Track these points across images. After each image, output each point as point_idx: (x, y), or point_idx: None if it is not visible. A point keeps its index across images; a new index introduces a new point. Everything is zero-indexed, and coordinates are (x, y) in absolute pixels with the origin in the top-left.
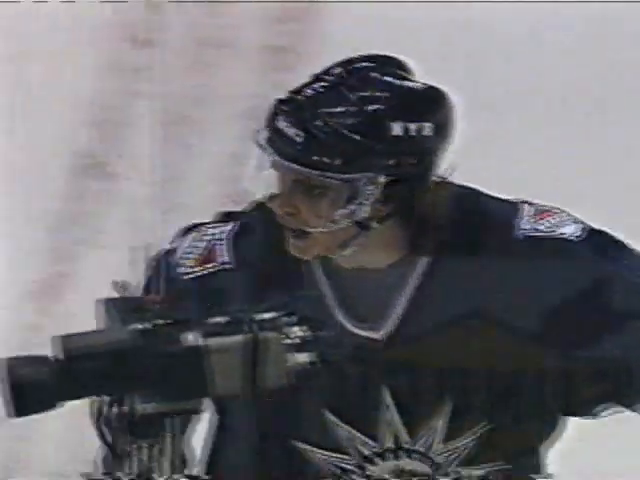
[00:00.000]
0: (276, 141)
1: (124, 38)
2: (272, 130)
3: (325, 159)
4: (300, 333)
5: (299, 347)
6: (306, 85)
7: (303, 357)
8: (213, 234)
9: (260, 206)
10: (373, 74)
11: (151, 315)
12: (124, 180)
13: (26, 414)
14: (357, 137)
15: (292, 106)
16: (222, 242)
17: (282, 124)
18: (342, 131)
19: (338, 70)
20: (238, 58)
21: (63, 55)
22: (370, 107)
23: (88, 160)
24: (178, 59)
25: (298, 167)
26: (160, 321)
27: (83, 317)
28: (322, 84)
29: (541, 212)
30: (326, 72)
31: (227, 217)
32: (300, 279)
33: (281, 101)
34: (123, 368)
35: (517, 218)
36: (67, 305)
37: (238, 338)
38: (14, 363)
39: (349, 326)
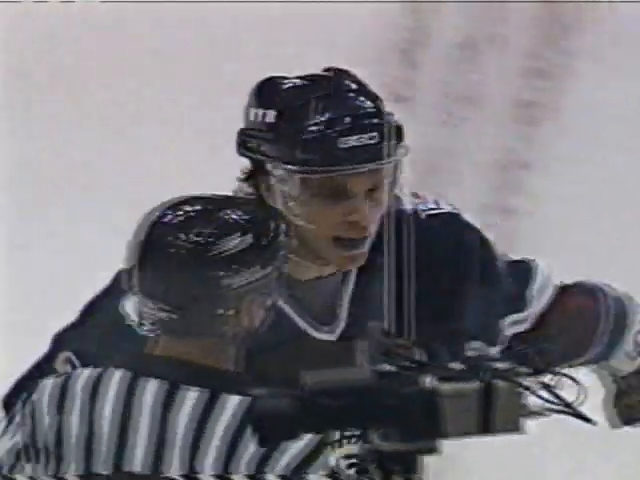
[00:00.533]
0: (359, 154)
1: (379, 93)
2: (346, 149)
3: (392, 143)
4: (534, 384)
5: (532, 396)
6: (320, 105)
7: (536, 407)
8: None
9: None
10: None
11: (398, 358)
12: None
13: (268, 444)
14: (395, 124)
15: (358, 121)
16: None
17: (357, 139)
18: (389, 122)
19: (331, 83)
20: (487, 112)
21: None
22: (377, 100)
23: None
24: (430, 113)
25: (390, 160)
26: (405, 363)
27: None
28: (337, 94)
29: (414, 194)
30: (318, 90)
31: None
32: None
33: (341, 122)
34: (361, 406)
35: (411, 204)
36: None
37: (472, 385)
38: (260, 394)
39: (311, 331)
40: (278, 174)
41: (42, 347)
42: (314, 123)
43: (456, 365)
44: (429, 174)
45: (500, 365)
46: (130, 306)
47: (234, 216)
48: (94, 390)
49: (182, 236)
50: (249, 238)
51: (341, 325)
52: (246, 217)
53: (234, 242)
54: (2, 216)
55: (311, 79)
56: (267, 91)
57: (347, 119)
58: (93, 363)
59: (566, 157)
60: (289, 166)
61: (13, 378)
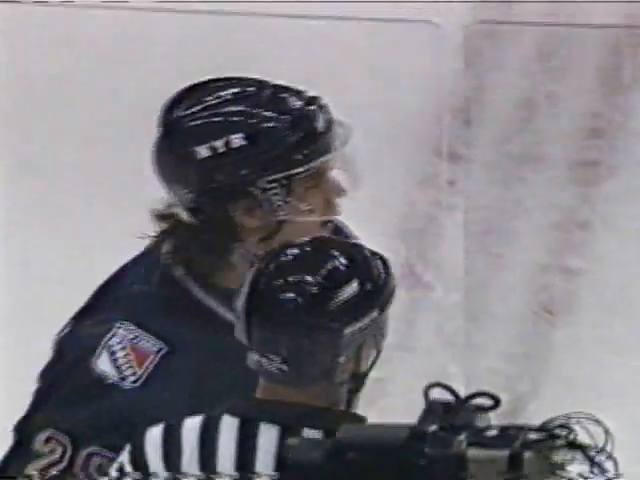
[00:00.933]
0: (331, 131)
1: (435, 151)
2: (323, 131)
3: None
4: (566, 457)
5: (560, 469)
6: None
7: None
8: (122, 337)
9: (117, 293)
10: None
11: (440, 420)
12: (430, 289)
13: None
14: None
15: (317, 102)
16: (138, 336)
17: (322, 118)
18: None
19: (255, 86)
20: (546, 172)
21: (375, 166)
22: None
23: (403, 269)
24: (485, 172)
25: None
26: (443, 424)
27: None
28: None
29: None
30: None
31: (103, 320)
32: (207, 314)
33: (311, 106)
34: (390, 464)
35: None
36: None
37: (500, 453)
38: (294, 442)
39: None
40: (277, 186)
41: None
42: (290, 123)
43: (490, 431)
44: (486, 234)
45: (533, 436)
46: (104, 362)
47: (341, 261)
48: (205, 436)
49: (299, 289)
50: (364, 284)
51: None
52: (350, 262)
53: (351, 289)
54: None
55: (225, 92)
56: (205, 123)
57: (305, 107)
58: (84, 435)
59: (626, 216)
60: (294, 170)
61: None
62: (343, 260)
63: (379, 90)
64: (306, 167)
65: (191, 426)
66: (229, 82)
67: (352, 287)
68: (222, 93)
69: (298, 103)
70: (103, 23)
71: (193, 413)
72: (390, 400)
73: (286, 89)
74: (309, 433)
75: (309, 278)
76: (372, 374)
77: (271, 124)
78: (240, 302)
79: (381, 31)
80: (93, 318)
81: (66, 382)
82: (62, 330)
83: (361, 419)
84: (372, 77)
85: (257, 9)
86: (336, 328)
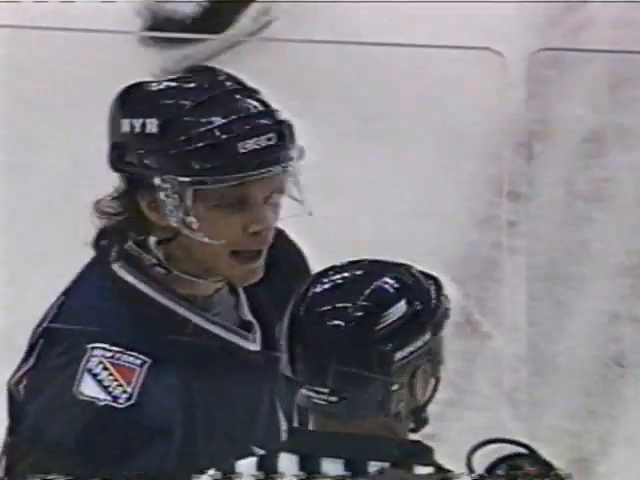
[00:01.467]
0: (260, 157)
1: (495, 190)
2: (247, 153)
3: (290, 144)
4: None
5: None
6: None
7: None
8: (100, 357)
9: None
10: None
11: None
12: (489, 339)
13: None
14: (288, 123)
15: (253, 122)
16: (115, 354)
17: (255, 142)
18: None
19: (210, 84)
20: (614, 212)
21: (430, 205)
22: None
23: (460, 318)
24: (548, 213)
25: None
26: None
27: None
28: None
29: None
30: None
31: (71, 347)
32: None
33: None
34: None
35: None
36: None
37: None
38: None
39: (243, 344)
40: (170, 188)
41: None
42: (208, 129)
43: None
44: (550, 280)
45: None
46: (89, 387)
47: (386, 280)
48: (264, 477)
49: (343, 312)
50: (412, 303)
51: (257, 330)
52: (396, 281)
53: (399, 310)
54: None
55: (185, 81)
56: (139, 98)
57: (242, 121)
58: (90, 468)
59: None
60: (184, 178)
61: None
62: (389, 279)
63: (435, 122)
64: (198, 180)
65: (246, 468)
66: (218, 74)
67: (400, 307)
68: (194, 82)
69: (240, 113)
70: None
71: (190, 422)
72: (443, 460)
73: (248, 93)
74: (375, 466)
75: (352, 300)
76: (424, 430)
77: (187, 118)
78: (282, 332)
79: (438, 59)
80: (59, 347)
81: (51, 420)
82: (19, 371)
83: (429, 449)
84: (427, 108)
85: (308, 35)
86: (386, 352)
